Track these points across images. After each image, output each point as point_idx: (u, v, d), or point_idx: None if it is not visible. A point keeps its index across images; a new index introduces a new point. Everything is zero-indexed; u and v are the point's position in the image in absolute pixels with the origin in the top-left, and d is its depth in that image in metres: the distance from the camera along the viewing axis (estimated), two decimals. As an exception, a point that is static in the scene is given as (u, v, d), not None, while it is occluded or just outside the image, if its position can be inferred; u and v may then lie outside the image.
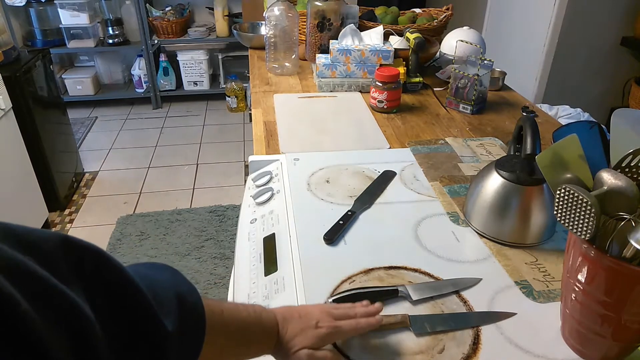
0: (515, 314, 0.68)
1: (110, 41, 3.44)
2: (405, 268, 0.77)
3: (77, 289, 0.33)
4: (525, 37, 2.50)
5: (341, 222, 0.86)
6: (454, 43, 1.47)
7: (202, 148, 3.17)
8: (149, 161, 3.01)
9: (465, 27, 1.60)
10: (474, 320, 0.67)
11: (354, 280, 0.74)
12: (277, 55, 1.64)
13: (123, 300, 0.37)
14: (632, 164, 0.57)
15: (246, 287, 0.77)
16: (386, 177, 1.01)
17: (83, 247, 0.36)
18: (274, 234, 0.85)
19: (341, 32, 1.54)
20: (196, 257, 2.16)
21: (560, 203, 0.57)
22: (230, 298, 0.81)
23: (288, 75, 1.64)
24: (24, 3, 3.12)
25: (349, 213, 0.88)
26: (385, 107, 1.34)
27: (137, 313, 0.38)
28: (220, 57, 3.75)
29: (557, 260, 0.78)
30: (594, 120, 1.41)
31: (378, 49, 1.46)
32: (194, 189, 2.73)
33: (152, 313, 0.39)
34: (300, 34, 1.72)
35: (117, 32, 3.43)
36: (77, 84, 3.58)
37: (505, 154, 0.92)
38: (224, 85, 3.71)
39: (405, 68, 1.47)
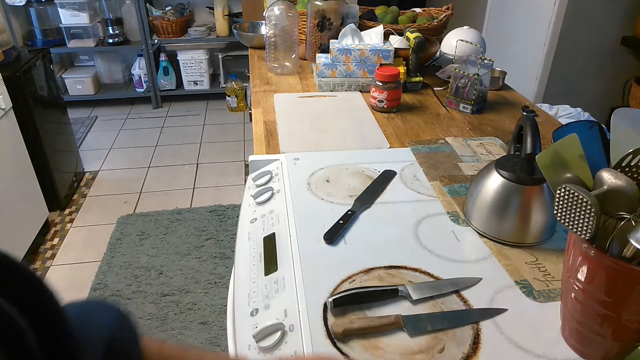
0: (506, 309, 0.69)
1: (110, 41, 3.44)
2: (405, 267, 0.77)
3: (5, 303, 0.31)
4: (525, 37, 2.50)
5: (341, 221, 0.86)
6: (454, 43, 1.47)
7: (202, 148, 3.17)
8: (149, 161, 3.01)
9: (465, 27, 1.60)
10: (467, 318, 0.67)
11: (354, 280, 0.74)
12: (277, 54, 1.64)
13: (45, 330, 0.36)
14: (632, 164, 0.57)
15: (246, 286, 0.77)
16: (386, 177, 1.01)
17: (17, 267, 0.34)
18: (274, 233, 0.85)
19: (341, 32, 1.54)
20: (196, 256, 2.16)
21: (561, 203, 0.57)
22: (230, 297, 0.82)
23: (288, 75, 1.64)
24: (24, 3, 3.12)
25: (349, 213, 0.88)
26: (385, 106, 1.34)
27: (58, 346, 0.37)
28: (220, 56, 3.75)
29: (557, 259, 0.78)
30: (594, 119, 1.41)
31: (378, 48, 1.46)
32: (194, 188, 2.73)
33: (71, 348, 0.38)
34: (300, 33, 1.72)
35: (117, 32, 3.43)
36: (77, 83, 3.58)
37: (506, 154, 0.92)
38: (224, 85, 3.71)
39: (405, 68, 1.47)
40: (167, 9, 3.52)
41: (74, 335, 0.37)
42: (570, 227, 0.56)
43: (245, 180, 1.04)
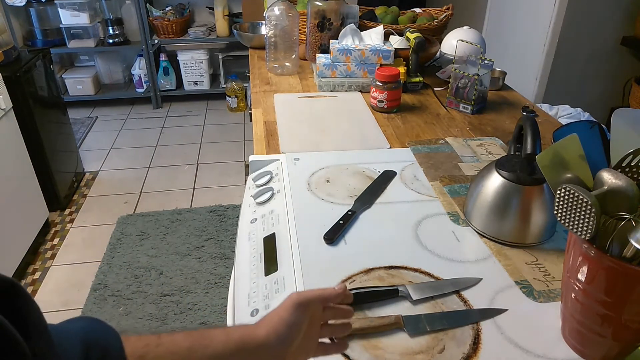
0: (506, 310, 0.69)
1: (111, 41, 3.44)
2: (406, 268, 0.77)
3: None
4: (525, 37, 2.49)
5: (341, 222, 0.86)
6: (454, 43, 1.47)
7: (202, 148, 3.17)
8: (149, 161, 3.01)
9: (465, 27, 1.60)
10: (467, 318, 0.68)
11: (354, 280, 0.74)
12: (277, 55, 1.64)
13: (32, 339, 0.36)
14: (632, 164, 0.57)
15: (246, 287, 0.77)
16: (386, 177, 1.01)
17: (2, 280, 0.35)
18: (274, 233, 0.85)
19: (341, 32, 1.54)
20: (196, 256, 2.16)
21: (561, 203, 0.57)
22: (230, 298, 0.82)
23: (288, 75, 1.64)
24: (24, 3, 3.12)
25: (349, 213, 0.88)
26: (385, 106, 1.34)
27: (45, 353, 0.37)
28: (220, 56, 3.75)
29: (558, 260, 0.78)
30: (594, 120, 1.41)
31: (378, 48, 1.46)
32: (194, 188, 2.73)
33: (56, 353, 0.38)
34: (300, 33, 1.72)
35: (117, 32, 3.43)
36: (77, 83, 3.58)
37: (506, 154, 0.92)
38: (224, 85, 3.71)
39: (405, 68, 1.47)
40: (167, 9, 3.52)
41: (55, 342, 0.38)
42: (571, 227, 0.56)
43: (246, 181, 1.04)
